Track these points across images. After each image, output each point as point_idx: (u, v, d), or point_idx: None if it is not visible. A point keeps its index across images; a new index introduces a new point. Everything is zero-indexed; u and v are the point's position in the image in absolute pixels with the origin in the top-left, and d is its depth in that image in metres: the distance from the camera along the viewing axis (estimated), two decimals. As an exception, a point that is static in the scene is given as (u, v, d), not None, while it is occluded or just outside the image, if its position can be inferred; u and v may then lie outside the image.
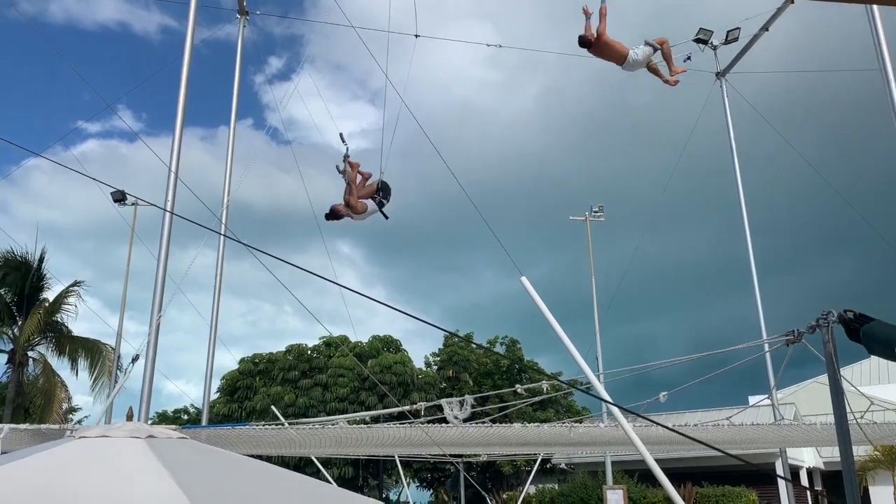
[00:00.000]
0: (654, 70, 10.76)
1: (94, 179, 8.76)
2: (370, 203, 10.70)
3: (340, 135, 11.07)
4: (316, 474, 21.26)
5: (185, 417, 36.36)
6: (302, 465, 24.43)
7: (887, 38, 11.59)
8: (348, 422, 13.83)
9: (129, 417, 6.41)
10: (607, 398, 7.36)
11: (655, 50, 10.59)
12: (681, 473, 25.00)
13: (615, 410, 6.70)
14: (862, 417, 8.66)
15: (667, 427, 3.81)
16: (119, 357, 26.42)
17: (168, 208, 9.97)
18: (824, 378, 5.93)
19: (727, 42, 18.29)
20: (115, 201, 22.58)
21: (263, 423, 15.01)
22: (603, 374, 20.63)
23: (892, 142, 11.44)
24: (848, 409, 5.75)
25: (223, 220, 13.13)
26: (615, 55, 10.32)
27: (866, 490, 29.80)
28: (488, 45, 12.26)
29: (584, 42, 10.22)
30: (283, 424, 12.07)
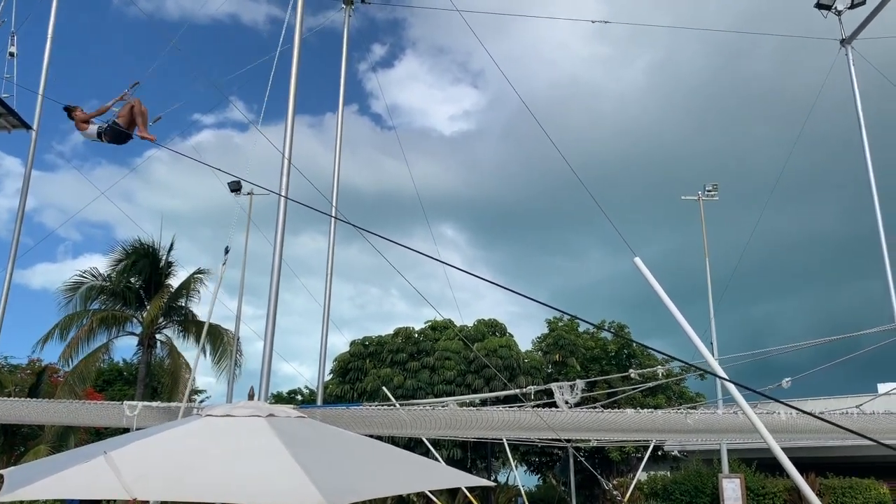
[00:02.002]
0: None
1: (212, 168, 9.15)
2: (94, 128, 10.36)
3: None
4: (426, 455, 21.62)
5: (300, 398, 37.80)
6: (412, 446, 24.85)
7: None
8: (458, 404, 13.96)
9: (251, 397, 6.69)
10: (725, 377, 7.05)
11: None
12: (803, 463, 23.67)
13: (735, 392, 6.41)
14: None
15: (810, 414, 3.57)
16: (238, 340, 27.77)
17: (283, 194, 10.31)
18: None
19: (853, 6, 17.13)
20: (232, 191, 23.61)
21: (375, 403, 15.37)
22: (718, 360, 19.91)
23: None
24: None
25: (334, 204, 13.45)
26: None
27: None
28: (593, 22, 11.91)
29: None
30: (394, 405, 12.31)
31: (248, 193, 24.49)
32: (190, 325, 30.65)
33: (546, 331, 33.59)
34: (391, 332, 31.67)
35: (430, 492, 16.96)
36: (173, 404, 12.62)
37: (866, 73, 17.82)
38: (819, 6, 17.05)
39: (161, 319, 30.18)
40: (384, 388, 20.26)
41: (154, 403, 12.33)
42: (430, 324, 31.40)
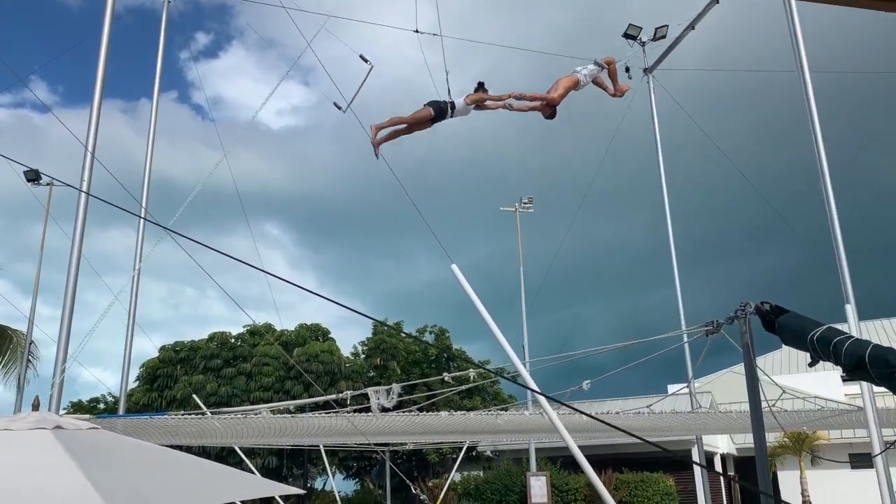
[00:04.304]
0: (599, 84, 10.97)
1: (6, 158, 8.27)
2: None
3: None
4: (239, 464, 20.86)
5: (102, 406, 35.07)
6: (224, 456, 23.95)
7: (805, 41, 12.03)
8: (272, 411, 13.59)
9: (35, 407, 6.09)
10: (532, 385, 7.43)
11: (602, 68, 10.82)
12: (602, 460, 25.62)
13: (540, 398, 6.76)
14: (774, 405, 9.00)
15: (588, 415, 3.86)
16: (31, 343, 25.28)
17: (84, 189, 9.53)
18: (740, 367, 6.12)
19: (655, 39, 18.65)
20: (29, 181, 21.49)
21: (183, 412, 14.60)
22: (529, 363, 20.83)
23: (809, 140, 11.90)
24: (762, 398, 5.95)
25: (143, 203, 12.64)
26: (570, 90, 10.42)
27: (775, 475, 31.22)
28: (416, 32, 12.08)
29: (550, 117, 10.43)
30: (204, 414, 11.76)
31: (48, 184, 22.41)
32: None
33: (372, 334, 33.70)
34: (206, 336, 30.32)
35: (241, 503, 16.36)
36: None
37: (666, 99, 19.53)
38: (626, 36, 18.41)
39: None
40: (195, 395, 19.31)
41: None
42: (248, 328, 30.42)
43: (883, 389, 4.89)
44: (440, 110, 9.58)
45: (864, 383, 8.07)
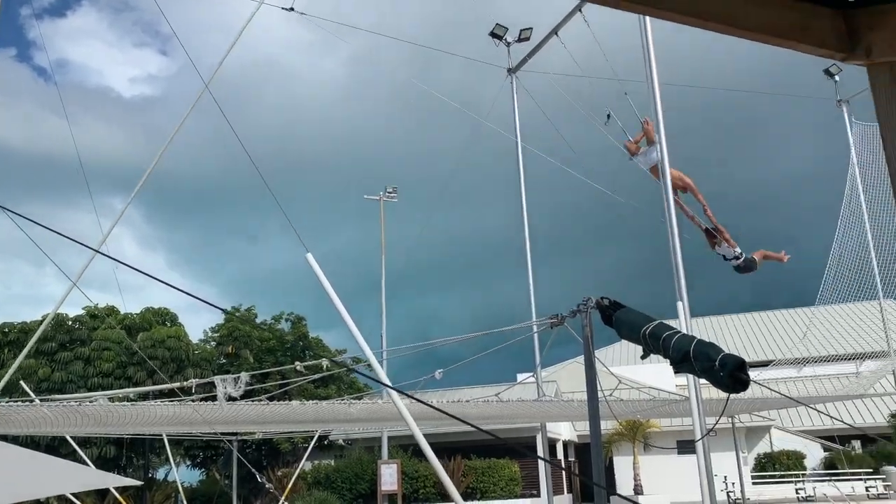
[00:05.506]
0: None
1: None
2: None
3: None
4: (72, 455, 19.56)
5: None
6: (56, 446, 22.41)
7: (656, 51, 12.77)
8: (110, 399, 12.84)
9: None
10: (380, 374, 7.48)
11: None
12: (453, 447, 26.23)
13: (388, 387, 6.82)
14: (611, 395, 9.57)
15: (429, 405, 3.93)
16: None
17: None
18: (582, 358, 6.45)
19: (519, 41, 19.15)
20: None
21: (8, 399, 13.50)
22: (387, 351, 20.91)
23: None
24: (599, 388, 6.31)
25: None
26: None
27: (611, 460, 33.25)
28: (284, 9, 11.77)
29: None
30: (32, 401, 10.92)
31: None
32: None
33: (224, 320, 32.58)
34: (39, 317, 28.14)
35: (74, 495, 15.39)
36: None
37: (527, 99, 20.12)
38: (492, 35, 18.79)
39: None
40: (23, 381, 17.91)
41: None
42: (88, 310, 28.53)
43: (709, 381, 5.30)
44: None
45: (691, 375, 8.74)
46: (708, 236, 12.25)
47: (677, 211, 11.19)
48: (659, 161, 11.38)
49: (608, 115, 12.99)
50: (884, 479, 31.01)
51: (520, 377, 26.68)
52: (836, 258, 20.47)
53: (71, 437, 16.68)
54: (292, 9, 13.50)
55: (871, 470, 31.66)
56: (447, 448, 25.49)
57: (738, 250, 12.11)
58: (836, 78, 20.16)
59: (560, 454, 33.21)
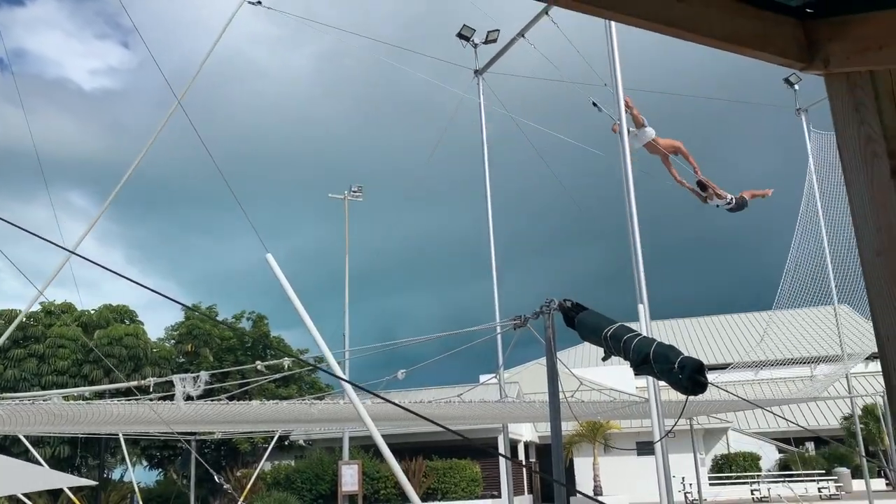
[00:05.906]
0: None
1: None
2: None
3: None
4: (24, 454, 19.10)
5: None
6: (8, 445, 21.86)
7: (625, 55, 12.90)
8: (65, 397, 12.55)
9: None
10: (338, 372, 7.43)
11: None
12: (414, 448, 26.20)
13: (348, 387, 6.78)
14: (572, 396, 9.63)
15: (392, 402, 3.93)
16: None
17: None
18: (545, 360, 6.48)
19: (486, 42, 19.20)
20: None
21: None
22: (349, 351, 20.85)
23: (615, 149, 12.80)
24: (561, 389, 6.35)
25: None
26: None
27: (572, 461, 33.52)
28: (250, 3, 11.63)
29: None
30: (-18, 399, 10.61)
31: None
32: None
33: (184, 318, 32.09)
34: (-9, 313, 27.44)
35: (26, 495, 15.01)
36: None
37: (493, 101, 20.16)
38: (459, 36, 18.80)
39: None
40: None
41: None
42: (43, 307, 27.87)
43: (667, 382, 5.36)
44: None
45: (650, 377, 8.84)
46: (697, 192, 13.10)
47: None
48: (652, 137, 12.16)
49: (594, 104, 13.43)
50: (836, 481, 31.79)
51: (483, 378, 26.76)
52: (793, 263, 20.88)
53: (24, 436, 16.28)
54: (259, 2, 13.39)
55: (823, 471, 32.45)
56: (409, 449, 25.46)
57: (729, 196, 13.07)
58: (796, 87, 20.56)
59: (521, 455, 33.37)
